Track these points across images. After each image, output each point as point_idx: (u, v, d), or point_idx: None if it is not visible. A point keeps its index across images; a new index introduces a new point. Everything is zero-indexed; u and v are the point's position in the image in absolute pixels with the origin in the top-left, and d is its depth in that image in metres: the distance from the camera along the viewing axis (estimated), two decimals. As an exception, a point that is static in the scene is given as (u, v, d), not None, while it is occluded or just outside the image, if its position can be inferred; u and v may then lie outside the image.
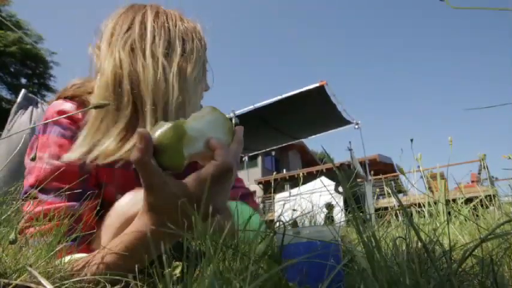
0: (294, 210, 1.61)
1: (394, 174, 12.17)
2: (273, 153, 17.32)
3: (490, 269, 0.36)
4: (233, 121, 6.85)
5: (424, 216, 1.59)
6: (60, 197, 0.64)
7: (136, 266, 0.50)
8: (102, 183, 0.71)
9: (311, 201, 1.97)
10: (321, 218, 1.88)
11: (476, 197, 1.56)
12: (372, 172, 6.67)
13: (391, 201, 4.25)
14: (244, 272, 0.34)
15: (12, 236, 0.47)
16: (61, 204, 0.63)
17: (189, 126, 0.49)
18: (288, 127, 8.32)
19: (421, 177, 1.90)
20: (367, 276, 0.27)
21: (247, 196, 0.88)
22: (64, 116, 0.71)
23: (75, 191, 0.64)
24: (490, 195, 1.68)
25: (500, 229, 0.47)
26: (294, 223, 1.03)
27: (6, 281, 0.38)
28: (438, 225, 1.23)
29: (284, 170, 19.06)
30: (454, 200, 1.75)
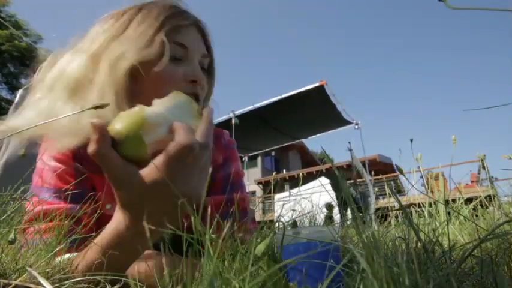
0: (293, 210, 1.61)
1: (394, 174, 12.18)
2: (273, 153, 17.33)
3: (489, 269, 0.36)
4: (233, 121, 6.85)
5: (424, 217, 1.59)
6: (60, 197, 0.64)
7: (124, 263, 0.49)
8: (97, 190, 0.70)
9: (311, 201, 1.97)
10: (320, 218, 1.88)
11: (476, 197, 1.56)
12: (373, 172, 6.66)
13: (391, 202, 4.25)
14: (244, 272, 0.34)
15: (11, 236, 0.47)
16: (61, 205, 0.63)
17: (148, 112, 0.45)
18: (287, 127, 8.31)
19: (421, 177, 1.90)
20: (366, 276, 0.27)
21: (244, 216, 0.77)
22: (62, 116, 0.71)
23: (75, 191, 0.64)
24: (489, 196, 1.68)
25: (499, 229, 0.47)
26: (294, 223, 1.03)
27: (5, 281, 0.38)
28: (438, 225, 1.23)
29: (284, 170, 19.06)
30: (453, 200, 1.75)
